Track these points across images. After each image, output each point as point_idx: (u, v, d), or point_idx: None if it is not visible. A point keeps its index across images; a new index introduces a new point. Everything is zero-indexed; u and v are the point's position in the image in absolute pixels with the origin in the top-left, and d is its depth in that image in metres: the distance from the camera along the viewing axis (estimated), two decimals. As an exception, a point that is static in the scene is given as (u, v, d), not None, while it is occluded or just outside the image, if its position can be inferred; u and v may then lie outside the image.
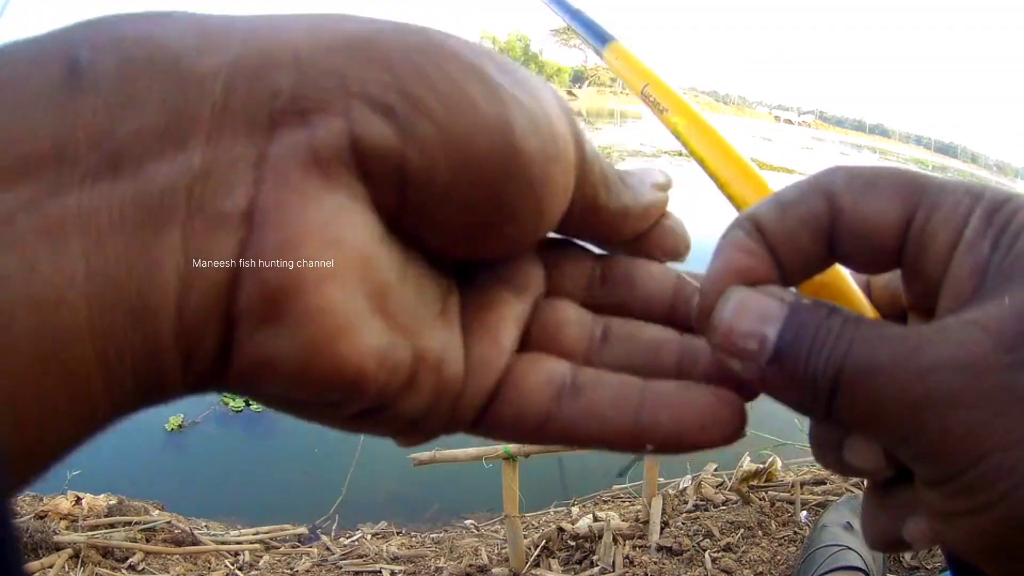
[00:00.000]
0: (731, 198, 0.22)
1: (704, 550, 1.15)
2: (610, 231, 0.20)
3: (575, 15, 0.30)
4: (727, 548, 1.15)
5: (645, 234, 0.20)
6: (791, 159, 13.37)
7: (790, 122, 29.90)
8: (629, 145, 13.37)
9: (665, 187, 0.21)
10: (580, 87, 32.11)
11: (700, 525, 1.22)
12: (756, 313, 0.16)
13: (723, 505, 1.30)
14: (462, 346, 0.17)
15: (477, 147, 0.14)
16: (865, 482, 0.19)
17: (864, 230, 0.17)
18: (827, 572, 0.93)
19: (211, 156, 0.13)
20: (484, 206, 0.15)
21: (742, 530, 1.19)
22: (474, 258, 0.17)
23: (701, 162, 0.23)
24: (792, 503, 1.25)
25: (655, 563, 1.15)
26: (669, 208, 0.21)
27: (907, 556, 1.09)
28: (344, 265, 0.14)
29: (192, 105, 0.13)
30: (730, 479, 1.39)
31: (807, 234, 0.17)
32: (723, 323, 0.17)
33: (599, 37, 0.28)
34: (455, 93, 0.14)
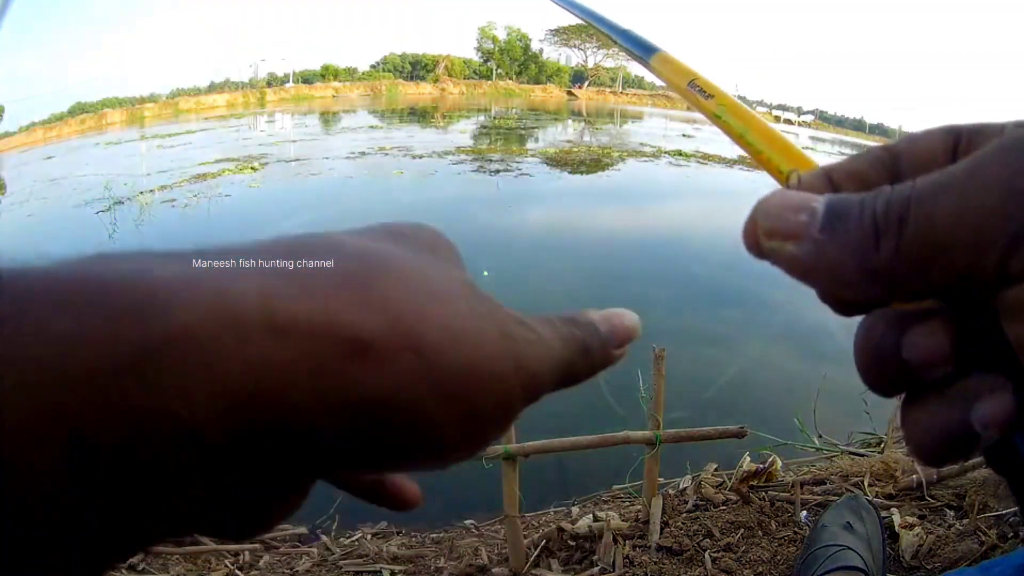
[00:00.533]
0: (769, 169, 0.24)
1: (704, 550, 1.15)
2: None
3: (623, 34, 0.34)
4: (727, 548, 1.15)
5: None
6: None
7: (790, 122, 29.88)
8: (629, 145, 13.36)
9: (629, 338, 0.22)
10: (580, 87, 32.10)
11: (700, 525, 1.22)
12: (799, 197, 0.18)
13: (723, 505, 1.30)
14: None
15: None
16: (902, 399, 0.19)
17: (922, 159, 0.19)
18: (827, 572, 0.93)
19: None
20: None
21: (742, 530, 1.19)
22: None
23: (741, 138, 0.26)
24: (792, 503, 1.25)
25: (655, 563, 1.15)
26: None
27: (907, 556, 1.09)
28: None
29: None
30: (730, 479, 1.39)
31: (872, 171, 0.20)
32: (771, 206, 0.18)
33: (646, 49, 0.32)
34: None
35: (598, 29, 0.36)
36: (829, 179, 0.20)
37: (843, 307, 0.19)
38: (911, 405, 0.18)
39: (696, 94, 0.28)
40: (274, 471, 0.15)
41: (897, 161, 0.20)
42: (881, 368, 0.18)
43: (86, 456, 0.12)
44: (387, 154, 10.59)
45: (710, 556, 1.13)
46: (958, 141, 0.19)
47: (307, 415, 0.14)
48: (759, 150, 0.24)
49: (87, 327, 0.12)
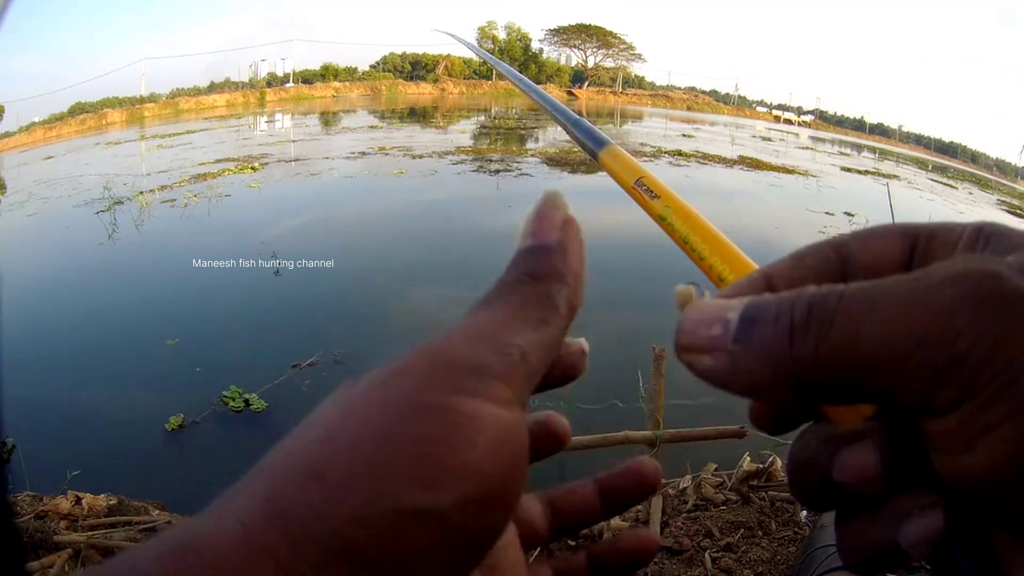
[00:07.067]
0: (710, 276, 0.24)
1: (704, 550, 1.15)
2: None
3: (576, 123, 0.34)
4: (727, 548, 1.15)
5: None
6: (791, 159, 13.35)
7: (790, 122, 29.86)
8: (629, 145, 13.36)
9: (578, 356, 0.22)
10: (580, 87, 32.10)
11: (700, 525, 1.22)
12: (715, 308, 0.18)
13: (723, 505, 1.30)
14: None
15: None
16: (833, 515, 0.19)
17: (874, 265, 0.19)
18: (826, 572, 0.93)
19: None
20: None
21: (742, 530, 1.19)
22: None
23: (684, 243, 0.25)
24: (792, 503, 1.25)
25: (655, 563, 1.15)
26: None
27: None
28: None
29: None
30: (730, 479, 1.38)
31: (816, 276, 0.19)
32: (686, 322, 0.18)
33: (596, 141, 0.32)
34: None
35: (552, 115, 0.36)
36: (768, 284, 0.19)
37: (772, 427, 0.19)
38: (842, 520, 0.18)
39: (643, 193, 0.27)
40: None
41: (847, 264, 0.19)
42: (813, 486, 0.18)
43: None
44: (387, 154, 10.59)
45: (710, 556, 1.13)
46: (914, 246, 0.19)
47: None
48: (701, 256, 0.24)
49: None
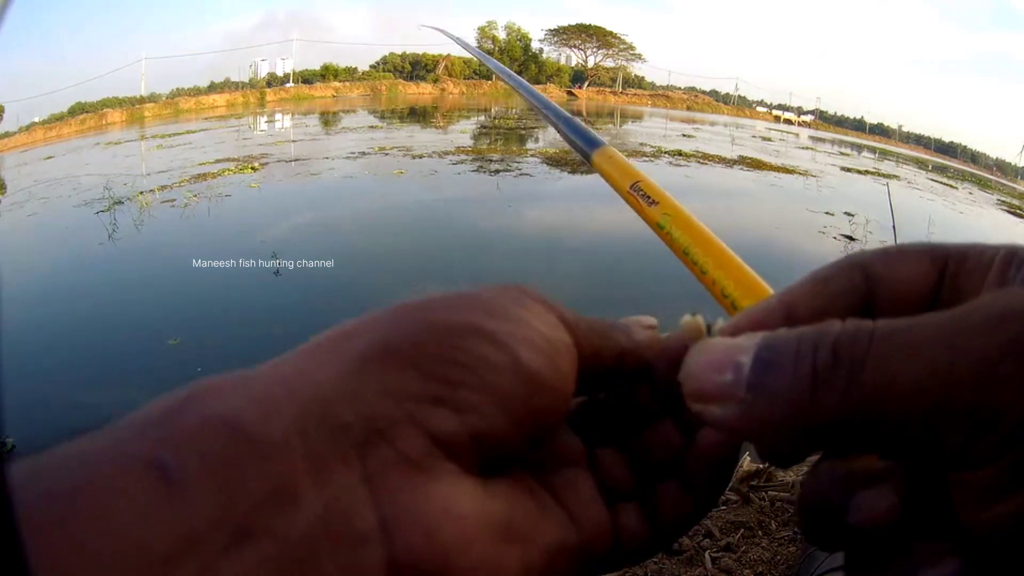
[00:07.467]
0: (714, 292, 0.22)
1: (704, 550, 1.15)
2: (618, 370, 0.21)
3: (567, 121, 0.32)
4: (727, 548, 1.15)
5: (652, 371, 0.22)
6: (791, 159, 13.35)
7: (790, 122, 29.85)
8: (628, 145, 13.35)
9: (653, 327, 0.23)
10: (580, 87, 32.09)
11: (700, 525, 1.22)
12: (725, 349, 0.16)
13: (723, 505, 1.30)
14: (570, 521, 0.19)
15: (511, 391, 0.17)
16: (846, 554, 0.18)
17: (902, 290, 0.18)
18: (827, 572, 0.93)
19: (325, 495, 0.14)
20: (525, 419, 0.18)
21: (742, 530, 1.19)
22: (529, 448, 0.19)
23: (684, 254, 0.23)
24: (792, 503, 1.25)
25: (655, 563, 1.15)
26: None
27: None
28: (473, 528, 0.16)
29: (281, 466, 0.14)
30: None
31: (843, 306, 0.18)
32: (692, 366, 0.17)
33: (589, 142, 0.30)
34: (480, 365, 0.17)
35: (541, 113, 0.34)
36: (787, 313, 0.18)
37: (780, 461, 0.18)
38: (854, 564, 0.18)
39: (639, 198, 0.26)
40: None
41: (873, 289, 0.18)
42: (825, 527, 0.17)
43: None
44: (387, 154, 10.58)
45: (710, 556, 1.13)
46: (943, 269, 0.18)
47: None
48: (703, 270, 0.22)
49: None
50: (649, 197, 0.25)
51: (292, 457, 0.14)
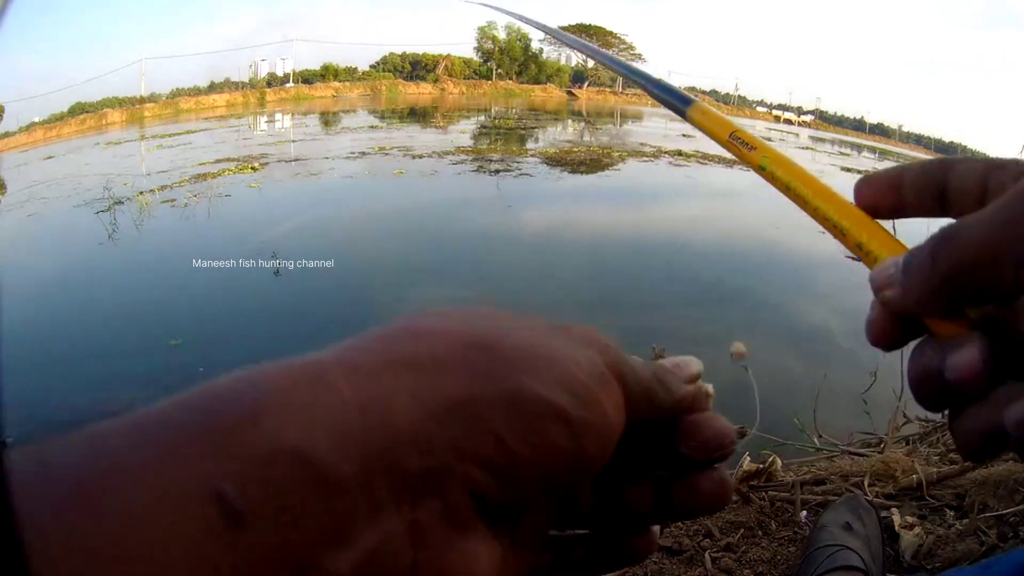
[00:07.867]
0: (816, 215, 0.27)
1: (704, 550, 1.15)
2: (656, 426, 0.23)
3: (658, 84, 0.35)
4: (727, 548, 1.15)
5: (680, 431, 0.23)
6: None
7: (790, 122, 29.85)
8: (629, 145, 13.36)
9: (696, 377, 0.24)
10: (580, 87, 32.10)
11: (700, 525, 1.22)
12: (891, 260, 0.24)
13: (723, 505, 1.30)
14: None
15: (562, 479, 0.19)
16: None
17: (962, 186, 0.25)
18: (826, 572, 0.93)
19: (375, 537, 0.15)
20: (556, 490, 0.19)
21: (742, 530, 1.19)
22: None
23: (789, 187, 0.27)
24: (792, 503, 1.25)
25: (655, 563, 1.15)
26: (711, 397, 0.24)
27: (907, 556, 1.09)
28: None
29: (345, 506, 0.15)
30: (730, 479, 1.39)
31: (929, 186, 0.26)
32: (876, 272, 0.24)
33: (683, 100, 0.33)
34: (548, 451, 0.18)
35: (635, 82, 0.37)
36: (898, 190, 0.26)
37: (888, 343, 0.25)
38: (956, 414, 0.23)
39: (739, 146, 0.30)
40: None
41: (948, 176, 0.26)
42: (930, 388, 0.23)
43: None
44: (387, 154, 10.59)
45: (710, 556, 1.13)
46: (989, 174, 0.25)
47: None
48: (804, 199, 0.27)
49: None
50: (747, 144, 0.29)
51: (356, 498, 0.15)
